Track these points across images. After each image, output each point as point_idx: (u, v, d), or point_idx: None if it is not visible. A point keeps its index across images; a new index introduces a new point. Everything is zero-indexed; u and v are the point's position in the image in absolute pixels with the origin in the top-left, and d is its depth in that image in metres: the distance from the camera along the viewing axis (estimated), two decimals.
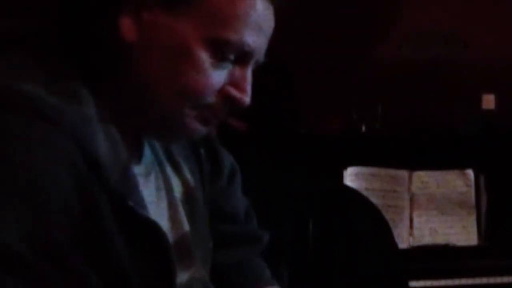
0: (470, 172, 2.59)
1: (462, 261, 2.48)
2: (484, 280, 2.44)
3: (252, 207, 1.24)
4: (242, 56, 0.93)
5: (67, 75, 0.88)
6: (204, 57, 0.90)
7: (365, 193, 2.36)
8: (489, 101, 3.01)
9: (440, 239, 2.55)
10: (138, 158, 1.01)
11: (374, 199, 2.33)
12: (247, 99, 0.95)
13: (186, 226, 1.05)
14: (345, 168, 2.56)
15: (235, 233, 1.19)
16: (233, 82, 0.94)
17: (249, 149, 1.93)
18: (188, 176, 1.08)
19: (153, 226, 0.91)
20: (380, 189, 2.56)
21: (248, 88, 0.95)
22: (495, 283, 2.45)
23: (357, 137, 2.79)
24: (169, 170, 1.06)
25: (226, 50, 0.91)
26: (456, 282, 2.44)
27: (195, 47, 0.89)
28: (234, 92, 0.94)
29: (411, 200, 2.58)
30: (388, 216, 2.31)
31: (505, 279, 2.45)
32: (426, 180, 2.60)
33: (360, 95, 2.98)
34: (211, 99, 0.93)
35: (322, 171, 2.53)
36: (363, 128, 2.85)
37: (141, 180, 0.97)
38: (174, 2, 0.89)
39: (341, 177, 2.54)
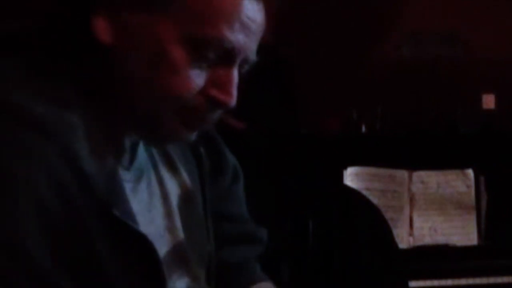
0: (470, 172, 2.59)
1: (462, 261, 2.48)
2: (484, 280, 2.44)
3: (252, 207, 1.24)
4: (225, 56, 0.88)
5: (55, 79, 0.86)
6: (180, 56, 0.86)
7: (365, 193, 2.36)
8: (489, 101, 3.01)
9: (440, 239, 2.55)
10: (130, 161, 0.98)
11: (374, 199, 2.33)
12: (231, 101, 0.90)
13: (181, 234, 1.02)
14: (345, 168, 2.56)
15: (237, 232, 1.18)
16: (216, 83, 0.89)
17: (248, 149, 1.93)
18: (186, 177, 1.05)
19: (139, 237, 0.88)
20: (380, 189, 2.56)
21: (233, 89, 0.90)
22: (495, 283, 2.45)
23: (357, 137, 2.79)
24: (164, 172, 1.03)
25: (204, 49, 0.86)
26: (456, 282, 2.44)
27: (170, 46, 0.85)
28: (216, 93, 0.89)
29: (411, 200, 2.58)
30: (388, 216, 2.31)
31: (505, 279, 2.45)
32: (426, 180, 2.60)
33: (360, 95, 2.98)
34: (194, 101, 0.88)
35: (322, 171, 2.53)
36: (363, 128, 2.85)
37: (130, 187, 0.94)
38: (149, 1, 0.85)
39: (341, 177, 2.54)
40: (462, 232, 2.56)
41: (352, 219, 1.89)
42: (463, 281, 2.44)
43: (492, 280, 2.45)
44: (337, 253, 1.89)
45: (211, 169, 1.10)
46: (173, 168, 1.05)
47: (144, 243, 0.89)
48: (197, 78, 0.87)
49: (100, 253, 0.84)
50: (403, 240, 2.52)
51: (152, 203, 0.99)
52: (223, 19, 0.86)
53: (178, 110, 0.89)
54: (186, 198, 1.05)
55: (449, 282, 2.44)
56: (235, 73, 0.90)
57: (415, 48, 3.04)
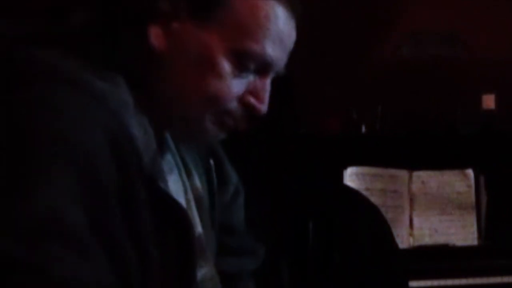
0: (470, 172, 2.59)
1: (462, 261, 2.48)
2: (484, 280, 2.44)
3: (252, 207, 1.25)
4: (263, 67, 0.98)
5: (110, 69, 0.94)
6: (227, 66, 0.95)
7: (365, 193, 2.36)
8: (489, 101, 3.01)
9: (440, 239, 2.55)
10: (161, 154, 1.04)
11: (374, 199, 2.34)
12: (264, 108, 1.00)
13: (199, 227, 1.08)
14: (345, 168, 2.56)
15: (235, 244, 1.22)
16: (252, 91, 0.99)
17: (248, 149, 1.93)
18: (198, 183, 1.11)
19: (181, 211, 0.96)
20: (380, 189, 2.56)
21: (266, 97, 1.00)
22: (495, 283, 2.45)
23: (357, 137, 2.79)
24: (183, 173, 1.10)
25: (247, 61, 0.96)
26: (456, 282, 2.44)
27: (218, 57, 0.94)
28: (253, 101, 0.99)
29: (411, 200, 2.58)
30: (388, 216, 2.31)
31: (505, 279, 2.45)
32: (426, 180, 2.60)
33: (360, 95, 2.98)
34: (231, 106, 0.98)
35: (322, 171, 2.53)
36: (363, 128, 2.85)
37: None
38: (200, 13, 0.94)
39: (341, 177, 2.54)
40: (462, 232, 2.56)
41: (352, 219, 1.90)
42: (463, 281, 2.44)
43: (492, 280, 2.45)
44: (337, 253, 1.89)
45: (216, 182, 1.15)
46: (188, 173, 1.11)
47: (184, 218, 0.96)
48: (238, 86, 0.97)
49: (144, 220, 0.90)
50: (403, 240, 2.52)
51: (178, 195, 1.05)
52: (267, 35, 0.96)
53: (216, 113, 0.98)
54: (198, 201, 1.11)
55: (449, 282, 2.44)
56: (269, 83, 1.01)
57: (415, 48, 3.04)
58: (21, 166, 0.80)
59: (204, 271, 1.07)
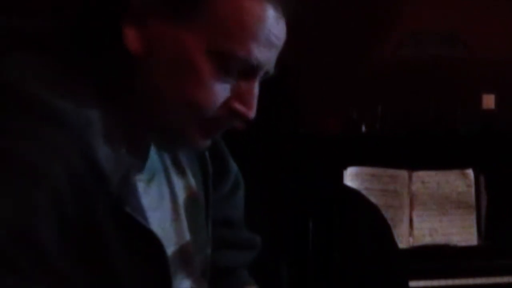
0: (470, 172, 2.59)
1: (462, 261, 2.48)
2: (484, 280, 2.44)
3: (252, 207, 1.24)
4: (249, 70, 0.90)
5: (73, 79, 0.88)
6: (208, 69, 0.87)
7: (365, 193, 2.36)
8: (489, 101, 3.01)
9: (440, 239, 2.55)
10: (143, 162, 0.99)
11: (374, 199, 2.33)
12: (251, 113, 0.92)
13: (187, 236, 1.04)
14: (345, 168, 2.56)
15: (232, 237, 1.19)
16: (238, 96, 0.91)
17: (248, 149, 1.93)
18: (191, 180, 1.06)
19: (149, 235, 0.90)
20: (380, 189, 2.56)
21: (254, 102, 0.92)
22: (495, 283, 2.45)
23: (357, 137, 2.80)
24: (174, 174, 1.05)
25: (231, 64, 0.88)
26: (456, 282, 2.44)
27: (199, 59, 0.87)
28: (238, 106, 0.91)
29: (411, 200, 2.58)
30: (388, 216, 2.31)
31: (505, 279, 2.45)
32: (426, 180, 2.60)
33: (360, 95, 2.98)
34: (215, 112, 0.90)
35: (322, 171, 2.53)
36: (363, 128, 2.85)
37: (142, 187, 0.95)
38: (178, 12, 0.86)
39: (341, 177, 2.54)
40: (462, 232, 2.56)
41: (352, 219, 1.90)
42: (463, 281, 2.44)
43: (492, 280, 2.45)
44: (337, 253, 1.89)
45: (214, 173, 1.10)
46: (181, 171, 1.06)
47: (153, 241, 0.90)
48: (222, 91, 0.89)
49: (110, 247, 0.85)
50: (403, 240, 2.52)
51: (162, 204, 1.00)
52: (251, 36, 0.87)
53: (199, 119, 0.91)
54: (192, 200, 1.06)
55: (449, 282, 2.44)
56: (256, 86, 0.93)
57: (415, 48, 3.04)
58: None
59: (188, 283, 1.04)
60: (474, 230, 2.56)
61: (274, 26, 0.89)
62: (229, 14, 0.86)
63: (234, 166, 1.17)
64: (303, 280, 1.95)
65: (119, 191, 0.86)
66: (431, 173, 2.59)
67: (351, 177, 2.55)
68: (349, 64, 3.03)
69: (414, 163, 2.60)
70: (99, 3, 0.89)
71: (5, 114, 0.81)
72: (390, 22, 3.07)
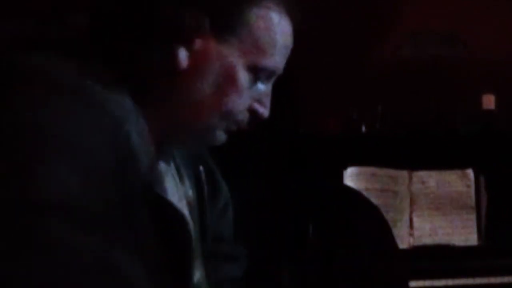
0: (470, 172, 2.59)
1: (462, 261, 2.48)
2: (484, 280, 2.44)
3: (252, 207, 1.25)
4: (270, 76, 1.04)
5: (112, 85, 0.95)
6: (245, 81, 1.00)
7: (365, 193, 2.36)
8: (489, 101, 3.01)
9: (440, 239, 2.55)
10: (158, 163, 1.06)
11: (374, 199, 2.33)
12: (267, 112, 1.06)
13: (193, 231, 1.09)
14: (345, 168, 2.56)
15: (222, 251, 1.23)
16: (257, 98, 1.04)
17: (249, 149, 1.93)
18: (190, 192, 1.14)
19: (178, 212, 0.98)
20: (380, 189, 2.56)
21: (269, 102, 1.06)
22: (495, 283, 2.45)
23: (357, 137, 2.79)
24: (176, 178, 1.12)
25: (261, 74, 1.02)
26: (456, 282, 2.44)
27: (240, 73, 1.00)
28: (258, 107, 1.05)
29: (411, 200, 2.58)
30: (388, 216, 2.31)
31: (505, 279, 2.45)
32: (426, 180, 2.60)
33: (360, 95, 2.98)
34: (241, 114, 1.04)
35: (322, 171, 2.53)
36: (363, 128, 2.85)
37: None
38: (221, 34, 0.99)
39: (341, 177, 2.54)
40: (462, 232, 2.56)
41: (352, 219, 1.89)
42: (463, 281, 2.44)
43: (492, 280, 2.45)
44: (337, 253, 1.89)
45: (207, 189, 1.18)
46: (181, 179, 1.13)
47: (180, 220, 0.99)
48: (250, 97, 1.03)
49: (141, 224, 0.92)
50: (403, 240, 2.52)
51: (175, 199, 1.07)
52: (278, 50, 1.03)
53: (227, 122, 1.03)
54: (190, 210, 1.12)
55: (449, 282, 2.44)
56: (270, 88, 1.07)
57: (415, 48, 3.04)
58: (25, 162, 0.81)
59: (199, 274, 1.09)
60: (474, 230, 2.56)
61: (290, 36, 1.05)
62: (262, 32, 1.00)
63: (224, 185, 1.24)
64: (303, 280, 1.96)
65: (149, 176, 0.95)
66: (431, 173, 2.59)
67: (351, 177, 2.55)
68: (349, 64, 3.03)
69: (414, 163, 2.60)
70: (156, 26, 0.98)
71: (58, 102, 0.88)
72: (390, 22, 3.07)
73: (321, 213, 1.96)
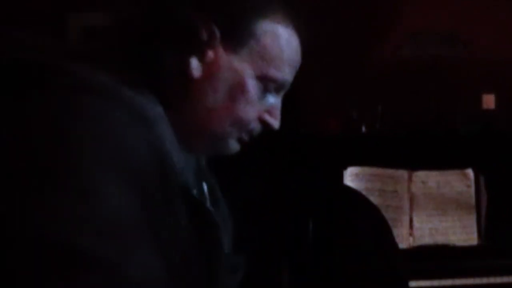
0: (470, 172, 2.60)
1: (462, 261, 2.48)
2: (484, 280, 2.44)
3: (252, 207, 1.25)
4: (279, 88, 1.09)
5: (141, 86, 1.00)
6: (255, 91, 1.05)
7: (365, 193, 2.36)
8: (489, 101, 3.01)
9: (440, 239, 2.55)
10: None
11: (374, 199, 2.34)
12: (278, 124, 1.11)
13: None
14: (345, 168, 2.56)
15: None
16: (268, 109, 1.09)
17: (248, 149, 1.93)
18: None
19: (212, 216, 1.02)
20: (380, 189, 2.56)
21: (279, 114, 1.10)
22: (495, 283, 2.45)
23: (357, 137, 2.79)
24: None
25: (271, 85, 1.06)
26: (456, 282, 2.44)
27: (249, 83, 1.04)
28: (269, 118, 1.09)
29: (411, 200, 2.58)
30: (388, 216, 2.31)
31: (505, 279, 2.45)
32: (426, 180, 2.60)
33: (360, 95, 2.98)
34: (253, 124, 1.08)
35: (322, 171, 2.53)
36: (363, 128, 2.85)
37: None
38: (232, 43, 1.03)
39: (341, 177, 2.54)
40: (462, 232, 2.56)
41: (352, 219, 1.89)
42: (463, 281, 2.44)
43: (492, 280, 2.45)
44: (337, 253, 1.89)
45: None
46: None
47: (214, 224, 1.03)
48: (261, 107, 1.07)
49: (179, 224, 0.96)
50: (403, 240, 2.53)
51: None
52: (287, 61, 1.07)
53: (239, 131, 1.07)
54: None
55: (449, 282, 2.44)
56: (280, 100, 1.11)
57: (415, 48, 3.04)
58: (71, 168, 0.84)
59: None
60: (474, 230, 2.56)
61: (298, 50, 1.08)
62: (271, 44, 1.05)
63: (223, 202, 1.25)
64: (303, 280, 1.96)
65: (183, 178, 0.99)
66: (431, 173, 2.59)
67: (351, 177, 2.55)
68: (349, 64, 3.03)
69: (414, 163, 2.60)
70: (172, 37, 1.02)
71: (99, 106, 0.91)
72: (390, 22, 3.07)
73: (321, 213, 1.96)
